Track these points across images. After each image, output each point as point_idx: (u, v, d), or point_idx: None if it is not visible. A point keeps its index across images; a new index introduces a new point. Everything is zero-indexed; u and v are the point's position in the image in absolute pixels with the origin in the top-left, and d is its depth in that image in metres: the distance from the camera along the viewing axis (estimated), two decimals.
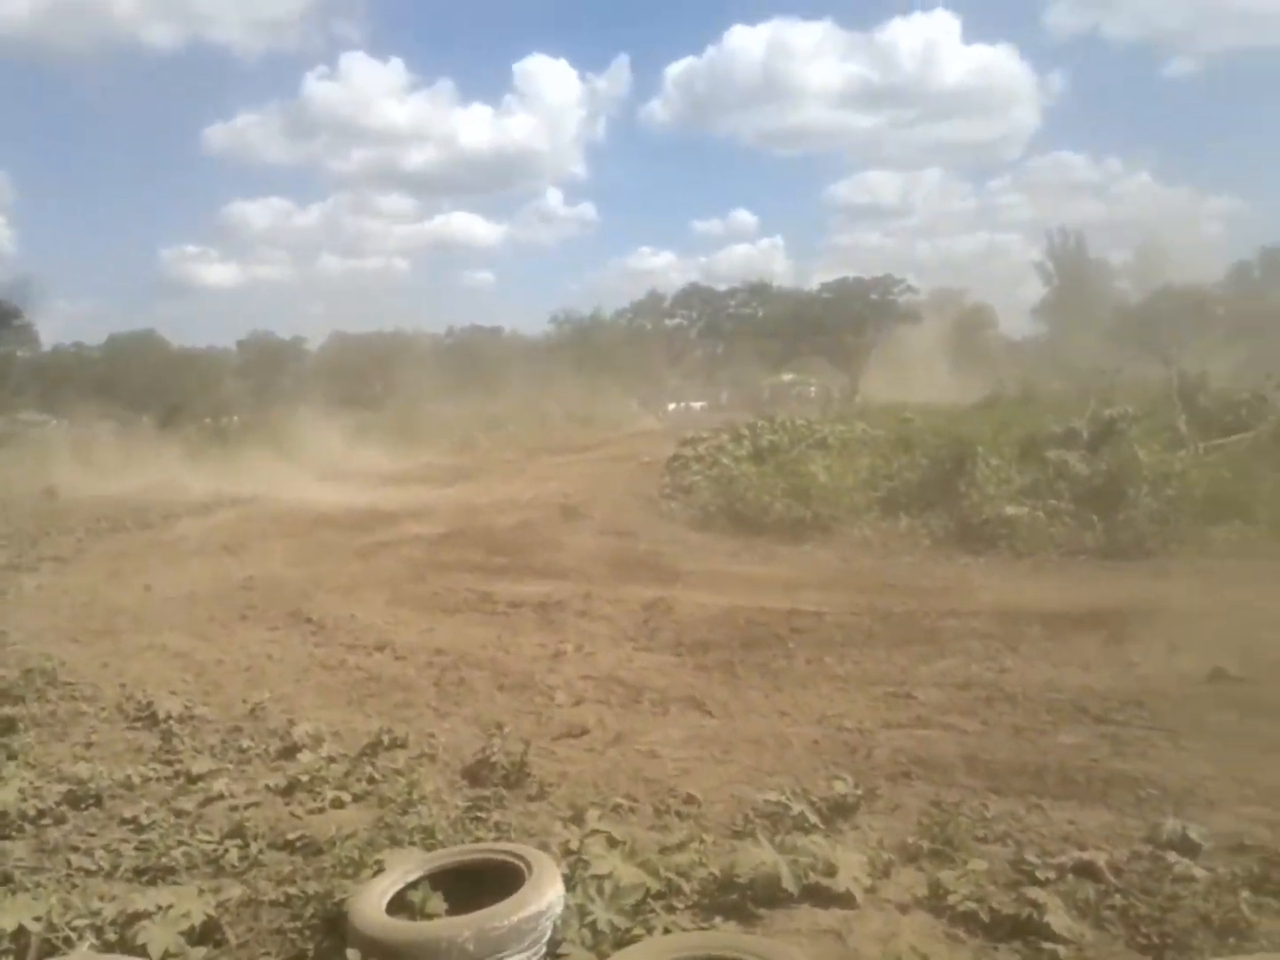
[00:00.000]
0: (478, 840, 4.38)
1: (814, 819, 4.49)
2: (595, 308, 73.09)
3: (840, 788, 4.76)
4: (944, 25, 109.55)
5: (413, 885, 3.76)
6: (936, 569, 10.60)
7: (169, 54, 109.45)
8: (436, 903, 3.72)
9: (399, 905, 3.67)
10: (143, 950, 3.28)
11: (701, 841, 4.26)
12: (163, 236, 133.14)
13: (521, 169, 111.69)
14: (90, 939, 3.39)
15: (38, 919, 3.34)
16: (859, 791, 4.77)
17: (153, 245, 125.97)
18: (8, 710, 6.19)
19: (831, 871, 3.95)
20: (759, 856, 3.95)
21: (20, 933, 3.29)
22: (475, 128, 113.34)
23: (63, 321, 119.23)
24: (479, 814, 4.70)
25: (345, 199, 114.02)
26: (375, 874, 3.87)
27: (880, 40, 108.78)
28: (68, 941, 3.38)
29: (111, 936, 3.44)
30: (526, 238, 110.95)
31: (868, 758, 5.48)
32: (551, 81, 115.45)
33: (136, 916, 3.40)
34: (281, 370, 64.67)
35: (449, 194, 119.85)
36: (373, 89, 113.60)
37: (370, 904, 3.52)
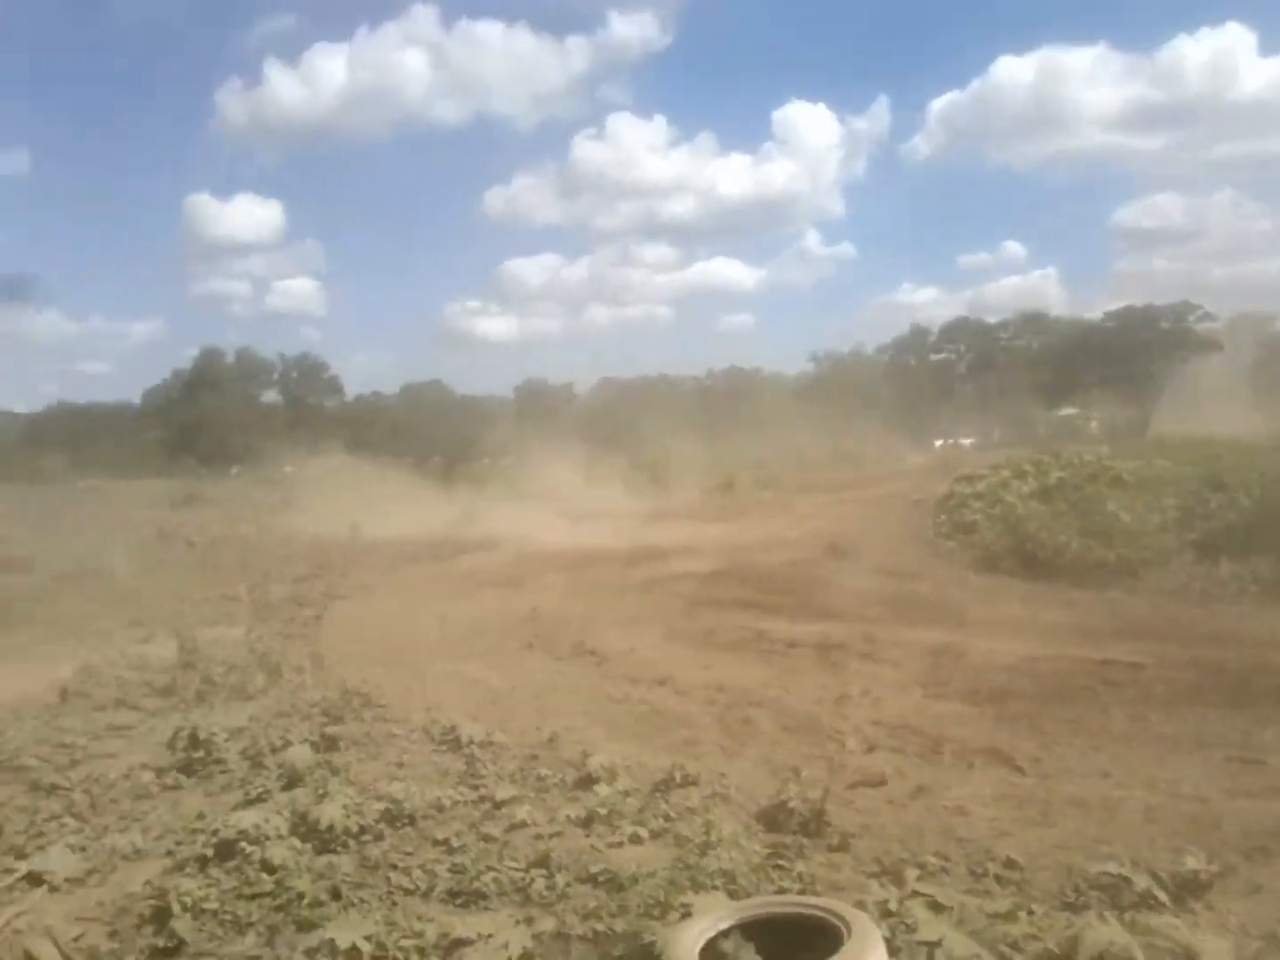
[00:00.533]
0: (781, 890, 4.18)
1: (1161, 896, 3.96)
2: (855, 344, 72.02)
3: (1191, 863, 4.19)
4: (1237, 38, 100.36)
5: (723, 933, 3.62)
6: (1269, 620, 9.36)
7: (454, 128, 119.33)
8: (750, 955, 3.55)
9: (709, 953, 3.54)
10: None
11: (1030, 912, 3.84)
12: (448, 293, 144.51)
13: (780, 212, 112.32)
14: None
15: (368, 938, 3.46)
16: (1213, 868, 4.17)
17: (439, 302, 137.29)
18: (331, 729, 6.66)
19: (1192, 958, 3.45)
20: (1106, 935, 3.50)
21: (353, 950, 3.42)
22: (734, 176, 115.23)
23: (363, 374, 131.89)
24: (780, 862, 4.49)
25: (610, 252, 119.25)
26: (682, 917, 3.76)
27: (1163, 59, 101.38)
28: None
29: None
30: (785, 279, 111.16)
31: (1215, 830, 4.82)
32: (810, 126, 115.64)
33: (459, 943, 3.45)
34: (553, 415, 68.05)
35: (708, 241, 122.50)
36: (637, 146, 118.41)
37: (683, 950, 3.40)
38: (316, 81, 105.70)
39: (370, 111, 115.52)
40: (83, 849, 5.02)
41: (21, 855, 4.95)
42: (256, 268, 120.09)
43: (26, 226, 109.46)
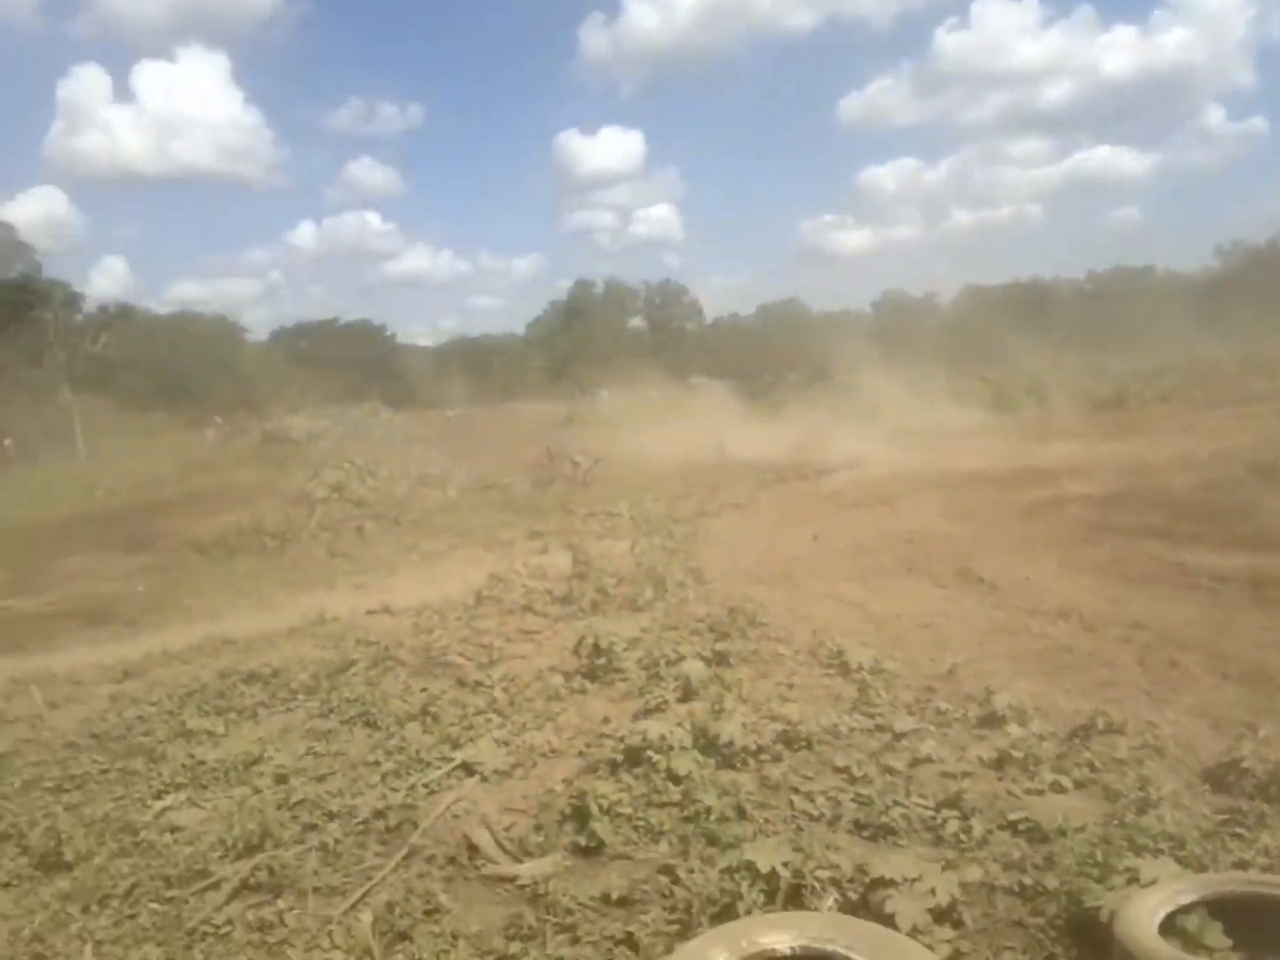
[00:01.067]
0: (1242, 864, 3.61)
1: None
2: (1276, 234, 62.09)
3: None
4: None
5: (1184, 908, 3.17)
6: None
7: (807, 35, 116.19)
8: (1218, 936, 3.08)
9: (1167, 928, 3.11)
10: (889, 920, 3.15)
11: None
12: (803, 209, 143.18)
13: (1174, 89, 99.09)
14: (834, 895, 3.35)
15: (785, 864, 3.38)
16: None
17: (794, 219, 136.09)
18: (720, 645, 6.75)
19: None
20: None
21: (772, 875, 3.36)
22: (1119, 52, 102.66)
23: (720, 296, 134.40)
24: (1238, 830, 3.88)
25: (975, 150, 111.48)
26: (1129, 883, 3.34)
27: None
28: (812, 891, 3.38)
29: (853, 896, 3.38)
30: (1180, 165, 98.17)
31: None
32: None
33: (880, 882, 3.27)
34: (914, 328, 65.39)
35: (1088, 129, 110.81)
36: (1006, 30, 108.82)
37: (1141, 922, 3.00)
38: (670, 4, 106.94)
39: (723, 27, 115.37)
40: (506, 743, 5.44)
41: (456, 745, 5.47)
42: (620, 198, 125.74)
43: (427, 174, 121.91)
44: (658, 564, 10.30)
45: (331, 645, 8.41)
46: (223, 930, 3.77)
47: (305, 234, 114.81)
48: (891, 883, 3.26)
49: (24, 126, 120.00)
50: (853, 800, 4.32)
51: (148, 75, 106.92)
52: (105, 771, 5.66)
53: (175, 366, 53.74)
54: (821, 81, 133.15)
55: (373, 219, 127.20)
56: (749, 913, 3.22)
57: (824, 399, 34.59)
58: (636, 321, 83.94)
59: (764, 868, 3.33)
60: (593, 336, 73.62)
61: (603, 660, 6.55)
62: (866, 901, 3.29)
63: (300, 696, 6.84)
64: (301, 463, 29.09)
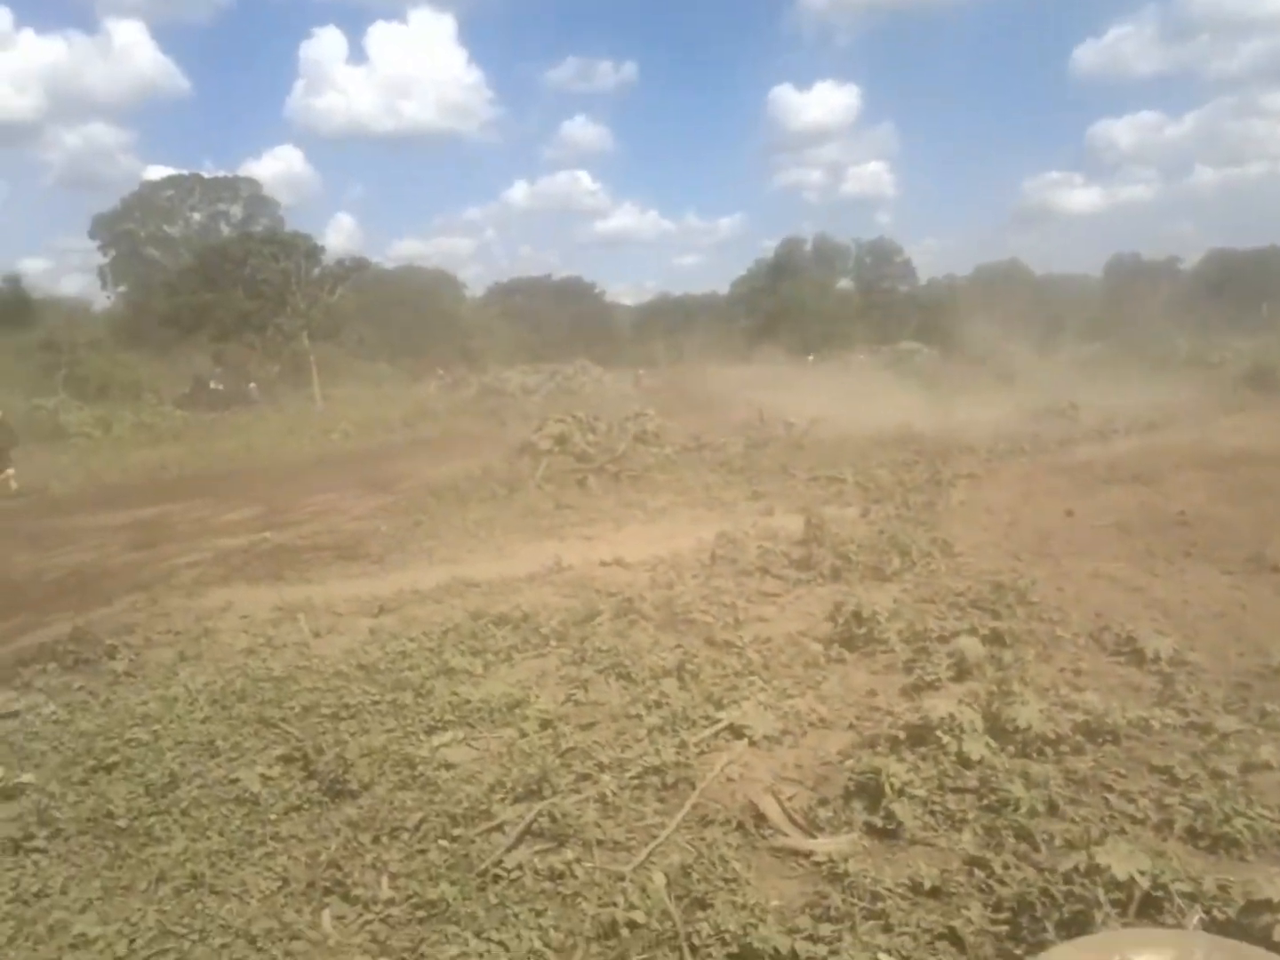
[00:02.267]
0: None
1: None
2: None
3: None
4: None
5: None
6: None
7: None
8: None
9: None
10: (1272, 945, 2.75)
11: None
12: (1025, 167, 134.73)
13: None
14: (1198, 912, 2.97)
15: (1143, 872, 3.02)
16: None
17: (1015, 178, 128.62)
18: (991, 623, 6.32)
19: None
20: None
21: (1129, 883, 3.01)
22: None
23: (934, 257, 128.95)
24: None
25: (1226, 102, 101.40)
26: None
27: None
28: (1172, 906, 3.01)
29: (1219, 915, 2.98)
30: None
31: None
32: None
33: (1262, 905, 2.87)
34: (1151, 295, 60.66)
35: None
36: None
37: None
38: None
39: None
40: (771, 708, 5.26)
41: (719, 705, 5.34)
42: (831, 155, 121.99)
43: (637, 132, 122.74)
44: (898, 532, 9.85)
45: (572, 594, 8.50)
46: (514, 875, 3.78)
47: (519, 192, 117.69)
48: (1271, 905, 2.84)
49: (272, 89, 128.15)
50: (1183, 805, 3.87)
51: (380, 36, 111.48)
52: (376, 703, 5.87)
53: (400, 319, 56.60)
54: (1054, 30, 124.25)
55: (583, 178, 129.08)
56: (1104, 923, 2.89)
57: (1054, 368, 32.59)
58: (845, 283, 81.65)
59: (1120, 875, 2.98)
60: (799, 296, 72.08)
61: (863, 629, 6.25)
62: (1240, 924, 2.90)
63: (552, 642, 6.92)
64: (516, 415, 30.16)
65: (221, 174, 66.49)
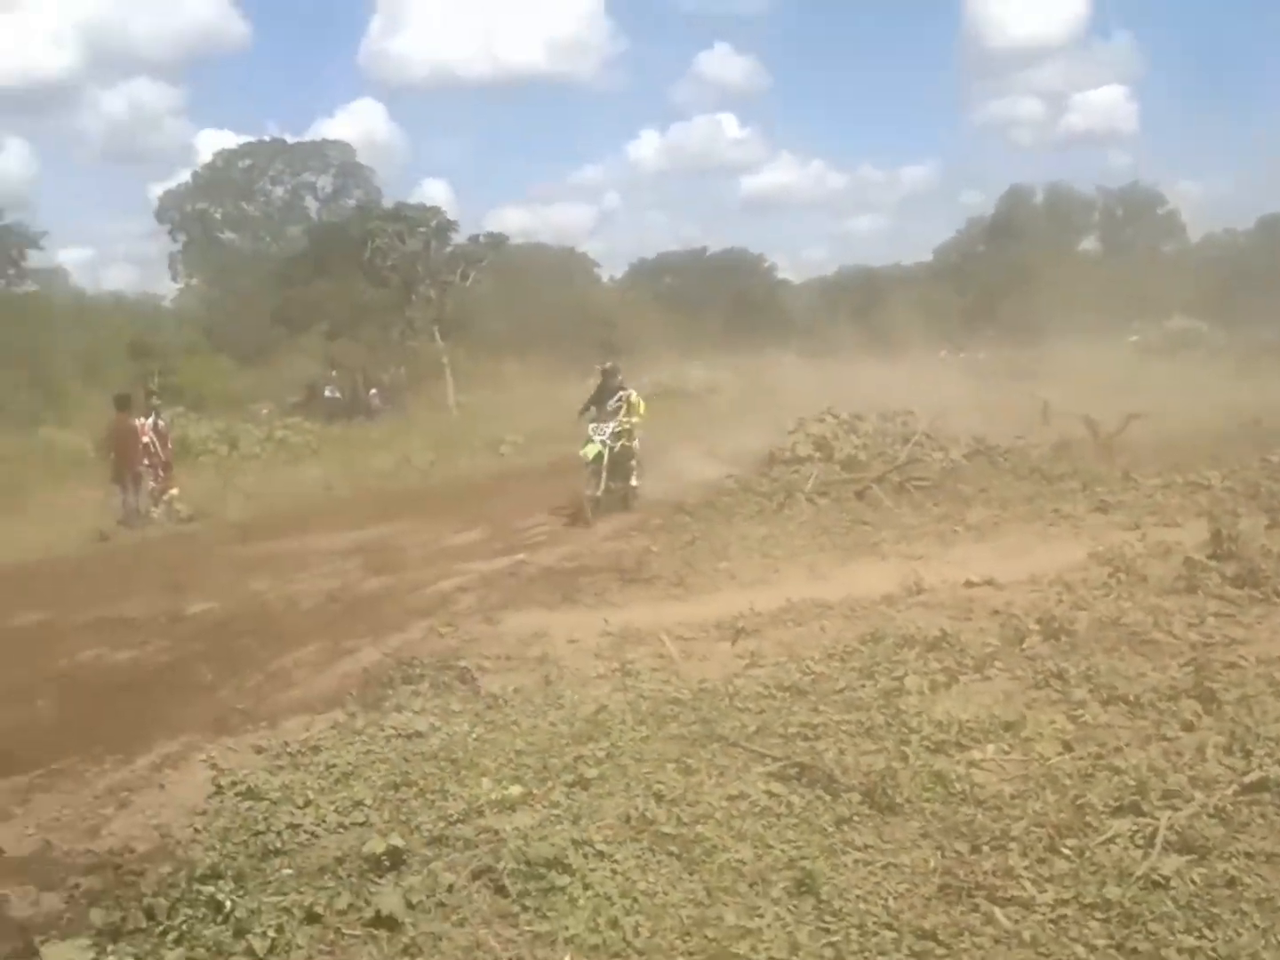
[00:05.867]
0: None
1: None
2: None
3: None
4: None
5: None
6: None
7: None
8: None
9: None
10: None
11: None
12: None
13: None
14: None
15: None
16: None
17: None
18: None
19: None
20: None
21: None
22: None
23: (1198, 206, 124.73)
24: None
25: None
26: None
27: None
28: None
29: None
30: None
31: None
32: None
33: None
34: None
35: None
36: None
37: None
38: None
39: None
40: None
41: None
42: (1051, 79, 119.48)
43: (795, 63, 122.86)
44: None
45: (957, 616, 9.18)
46: (1172, 882, 4.43)
47: (647, 146, 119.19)
48: None
49: (343, 32, 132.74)
50: None
51: None
52: (839, 723, 6.65)
53: (529, 308, 58.42)
54: None
55: (728, 123, 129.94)
56: None
57: None
58: (1089, 243, 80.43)
59: None
60: (1029, 264, 71.20)
61: None
62: None
63: (993, 665, 7.59)
64: (704, 416, 31.07)
65: (305, 139, 69.60)
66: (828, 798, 5.57)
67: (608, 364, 19.02)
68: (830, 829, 5.24)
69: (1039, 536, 12.98)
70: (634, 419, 17.64)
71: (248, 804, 6.17)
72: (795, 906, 4.53)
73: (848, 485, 16.62)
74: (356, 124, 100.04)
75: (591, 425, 17.19)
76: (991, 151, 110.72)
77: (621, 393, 17.85)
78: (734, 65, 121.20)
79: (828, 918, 4.42)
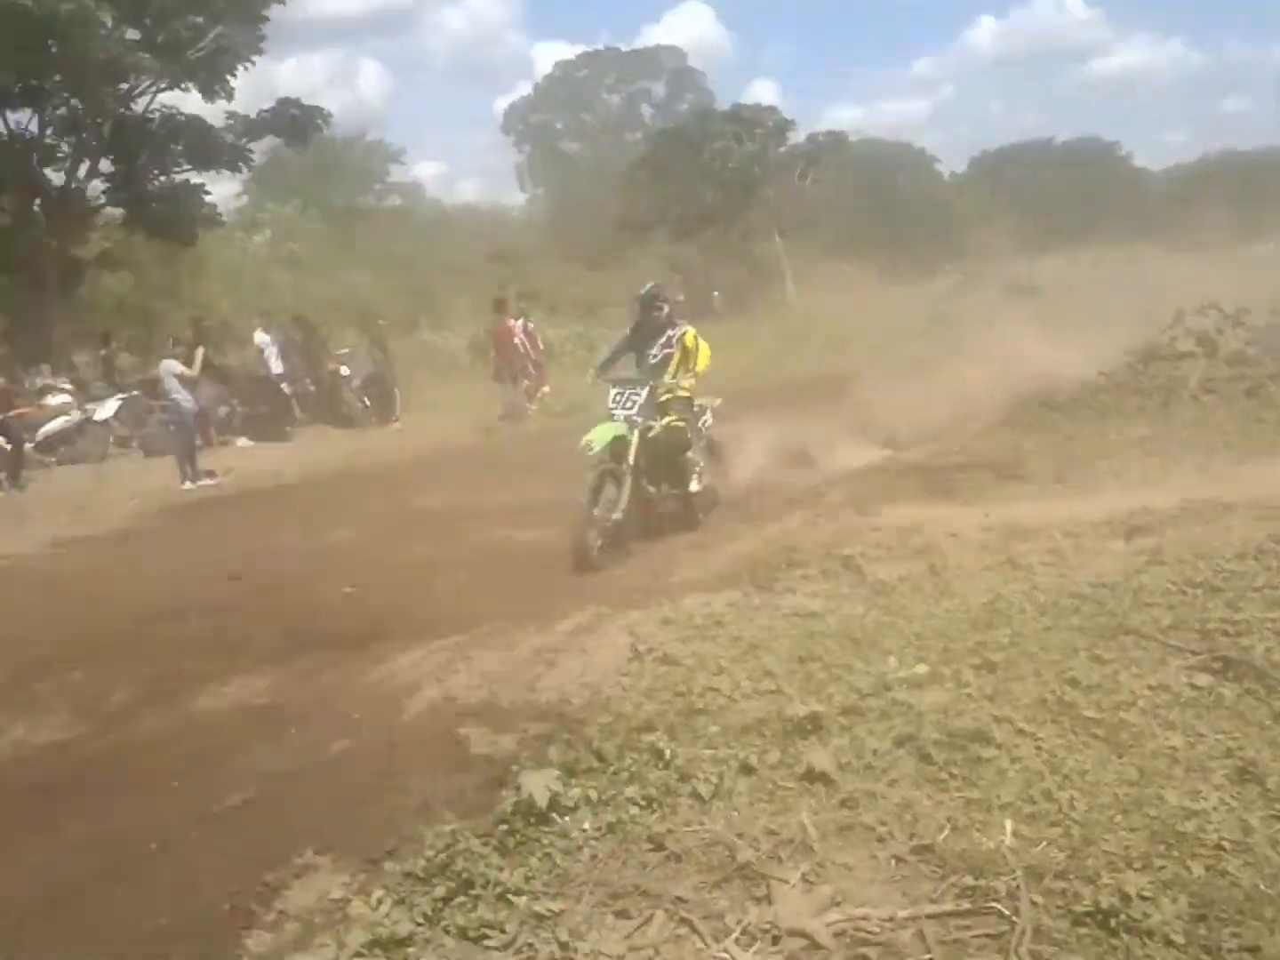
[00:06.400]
0: None
1: None
2: None
3: None
4: None
5: None
6: None
7: None
8: None
9: None
10: None
11: None
12: None
13: None
14: None
15: None
16: None
17: None
18: None
19: None
20: None
21: None
22: None
23: None
24: None
25: None
26: None
27: None
28: None
29: None
30: None
31: None
32: None
33: None
34: None
35: None
36: None
37: None
38: None
39: None
40: None
41: None
42: None
43: None
44: None
45: None
46: None
47: (984, 33, 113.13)
48: None
49: None
50: None
51: None
52: (1267, 620, 6.44)
53: (866, 207, 57.38)
54: None
55: (1073, 3, 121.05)
56: None
57: None
58: None
59: None
60: None
61: None
62: None
63: None
64: (1061, 314, 29.67)
65: (637, 47, 70.45)
66: (1262, 692, 5.47)
67: (648, 287, 11.43)
68: (1269, 723, 5.14)
69: None
70: (688, 380, 11.07)
71: (665, 668, 6.72)
72: (1240, 793, 4.51)
73: (1237, 383, 15.68)
74: (685, 28, 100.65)
75: (614, 391, 10.69)
76: None
77: (670, 332, 11.19)
78: None
79: (1278, 806, 4.40)
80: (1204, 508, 9.52)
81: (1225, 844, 4.12)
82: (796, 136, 51.40)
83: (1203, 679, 5.71)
